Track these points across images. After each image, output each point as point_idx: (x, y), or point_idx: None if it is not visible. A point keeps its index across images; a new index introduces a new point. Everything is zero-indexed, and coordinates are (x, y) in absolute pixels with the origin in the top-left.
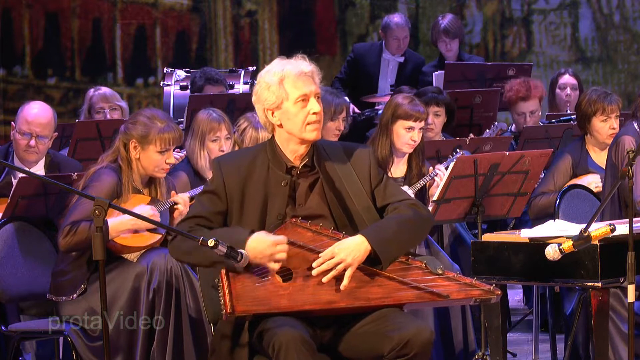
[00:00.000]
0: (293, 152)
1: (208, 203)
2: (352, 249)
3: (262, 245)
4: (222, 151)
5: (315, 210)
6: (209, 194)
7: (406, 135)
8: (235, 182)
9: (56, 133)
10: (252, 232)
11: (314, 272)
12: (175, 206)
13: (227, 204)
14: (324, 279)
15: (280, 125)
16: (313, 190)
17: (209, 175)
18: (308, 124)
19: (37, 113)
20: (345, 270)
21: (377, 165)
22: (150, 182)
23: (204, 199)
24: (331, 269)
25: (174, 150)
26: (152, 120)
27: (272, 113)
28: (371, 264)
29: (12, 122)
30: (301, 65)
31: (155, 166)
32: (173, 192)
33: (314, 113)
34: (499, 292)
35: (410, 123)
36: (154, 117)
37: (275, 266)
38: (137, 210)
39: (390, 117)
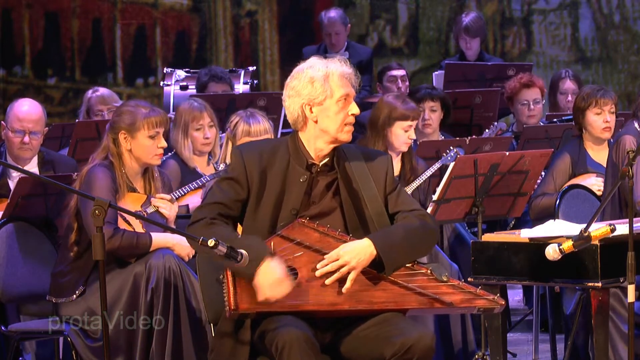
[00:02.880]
0: (317, 150)
1: (228, 190)
2: (357, 252)
3: (270, 276)
4: (207, 138)
5: (328, 210)
6: (230, 180)
7: (404, 135)
8: (256, 171)
9: (47, 128)
10: (271, 254)
11: (317, 273)
12: (159, 210)
13: (248, 191)
14: (328, 281)
15: (316, 122)
16: (329, 190)
17: (193, 163)
18: (346, 124)
19: (27, 110)
20: (349, 272)
21: (393, 173)
22: (144, 176)
23: (224, 185)
24: (335, 271)
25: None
26: (136, 108)
27: (311, 108)
28: (375, 269)
29: (2, 122)
30: (343, 66)
31: (149, 153)
32: (153, 198)
33: (352, 114)
34: (502, 303)
35: (408, 123)
36: (137, 105)
37: (261, 298)
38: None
39: (387, 120)
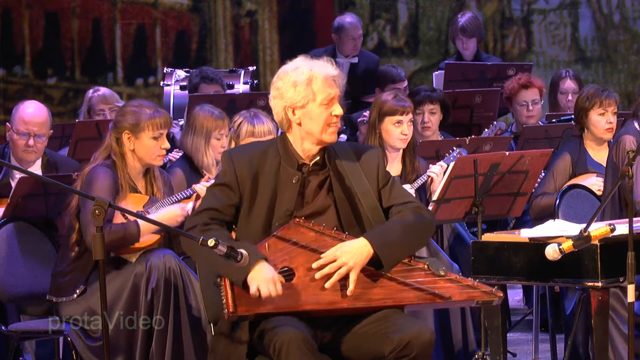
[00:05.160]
0: (306, 151)
1: (221, 195)
2: (354, 252)
3: (263, 274)
4: (223, 147)
5: (323, 209)
6: (222, 186)
7: (396, 131)
8: (247, 175)
9: (52, 131)
10: (264, 259)
11: (317, 276)
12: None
13: (240, 196)
14: (327, 284)
15: (300, 124)
16: (322, 189)
17: (212, 172)
18: (329, 126)
19: (33, 112)
20: (347, 273)
21: (385, 166)
22: (146, 176)
23: (217, 191)
24: (334, 272)
25: (172, 151)
26: (140, 108)
27: (293, 111)
28: (373, 267)
29: (7, 124)
30: (328, 68)
31: (152, 153)
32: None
33: (335, 115)
34: (501, 295)
35: (397, 117)
36: (141, 105)
37: (254, 290)
38: (166, 209)
39: (377, 116)
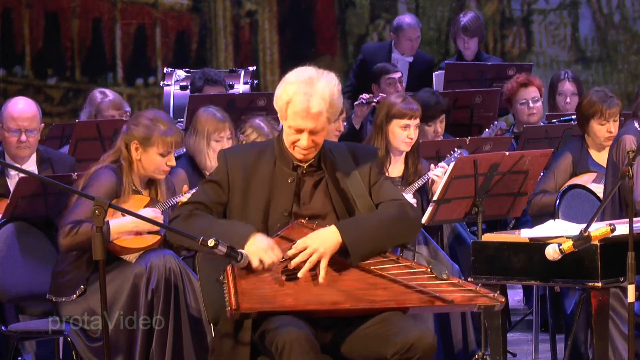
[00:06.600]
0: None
1: (210, 191)
2: (322, 238)
3: (259, 244)
4: None
5: (320, 210)
6: (212, 183)
7: (402, 134)
8: (240, 176)
9: (42, 125)
10: (256, 231)
11: (291, 265)
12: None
13: (229, 196)
14: (299, 273)
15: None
16: (317, 189)
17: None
18: (294, 146)
19: (22, 108)
20: (319, 260)
21: (379, 165)
22: (150, 182)
23: (207, 187)
24: (306, 260)
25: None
26: (154, 123)
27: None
28: (344, 257)
29: None
30: (313, 101)
31: (156, 168)
32: (185, 186)
33: (300, 145)
34: (503, 300)
35: (405, 121)
36: (156, 120)
37: (255, 263)
38: (140, 212)
39: (385, 118)
